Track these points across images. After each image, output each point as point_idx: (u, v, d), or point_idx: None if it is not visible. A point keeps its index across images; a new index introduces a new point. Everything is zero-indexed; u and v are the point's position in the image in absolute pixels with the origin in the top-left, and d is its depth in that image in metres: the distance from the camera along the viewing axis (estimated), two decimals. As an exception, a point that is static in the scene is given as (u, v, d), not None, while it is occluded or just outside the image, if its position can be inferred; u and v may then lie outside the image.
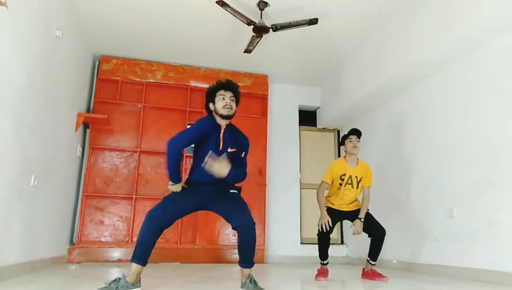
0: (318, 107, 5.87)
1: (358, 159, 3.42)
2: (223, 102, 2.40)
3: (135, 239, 4.58)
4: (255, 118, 5.23)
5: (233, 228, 2.33)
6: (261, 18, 3.67)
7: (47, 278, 2.83)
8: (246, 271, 2.33)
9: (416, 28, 3.67)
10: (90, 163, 4.65)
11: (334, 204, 3.38)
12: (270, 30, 3.65)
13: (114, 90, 4.89)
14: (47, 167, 3.35)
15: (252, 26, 3.63)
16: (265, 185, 5.08)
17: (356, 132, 3.41)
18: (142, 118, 4.90)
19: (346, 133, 3.48)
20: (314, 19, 3.56)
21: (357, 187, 3.32)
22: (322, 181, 3.39)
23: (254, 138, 5.21)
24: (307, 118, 5.91)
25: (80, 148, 4.51)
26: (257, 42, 3.95)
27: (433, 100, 3.93)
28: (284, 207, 5.25)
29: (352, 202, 3.37)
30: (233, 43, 4.52)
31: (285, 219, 5.17)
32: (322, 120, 5.77)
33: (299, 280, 3.28)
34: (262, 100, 5.40)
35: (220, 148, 2.40)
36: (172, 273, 3.44)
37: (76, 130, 4.23)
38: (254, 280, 2.28)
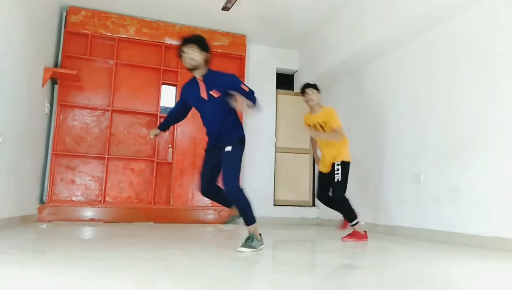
0: (296, 71, 5.82)
1: (321, 106, 3.50)
2: (183, 59, 2.50)
3: (108, 199, 4.56)
4: (232, 79, 5.14)
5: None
6: (240, -27, 3.52)
7: (17, 236, 2.79)
8: (248, 229, 2.55)
9: (397, -7, 3.63)
10: (59, 121, 4.49)
11: (321, 165, 3.55)
12: (250, -13, 3.51)
13: (83, 45, 4.64)
14: (13, 123, 3.20)
15: (231, -18, 3.48)
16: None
17: (303, 88, 3.50)
18: (114, 75, 4.71)
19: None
20: (295, -23, 3.44)
21: (324, 132, 3.43)
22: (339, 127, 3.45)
23: (230, 100, 5.15)
24: (284, 81, 5.87)
25: (48, 104, 4.32)
26: (236, 0, 3.80)
27: (405, 68, 3.98)
28: (258, 169, 5.31)
29: (332, 151, 3.42)
30: (210, -1, 4.33)
31: (259, 181, 5.25)
32: (299, 83, 5.74)
33: (271, 240, 3.38)
34: (240, 61, 5.29)
35: (204, 97, 2.51)
36: (146, 232, 3.47)
37: (43, 86, 4.02)
38: (251, 238, 2.47)
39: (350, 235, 3.31)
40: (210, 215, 4.81)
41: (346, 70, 4.88)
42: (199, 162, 4.83)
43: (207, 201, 4.87)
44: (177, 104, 2.81)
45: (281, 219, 5.28)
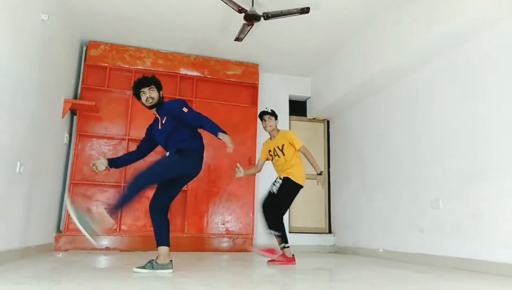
0: (309, 97, 5.87)
1: (278, 130, 3.66)
2: (144, 97, 2.77)
3: (123, 227, 4.57)
4: (245, 107, 5.21)
5: None
6: (252, 6, 3.63)
7: (33, 266, 2.81)
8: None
9: (407, 20, 3.68)
10: (78, 151, 4.59)
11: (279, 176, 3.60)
12: (262, 18, 3.61)
13: (102, 77, 4.81)
14: (33, 154, 3.29)
15: (243, 14, 3.59)
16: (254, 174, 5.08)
17: (260, 115, 3.65)
18: (131, 105, 4.83)
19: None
20: (305, 8, 3.53)
21: (284, 155, 3.54)
22: (259, 160, 3.80)
23: (244, 127, 5.20)
24: (297, 108, 5.91)
25: (67, 135, 4.44)
26: (248, 31, 3.92)
27: (421, 92, 3.96)
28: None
29: (284, 170, 3.53)
30: (223, 31, 4.47)
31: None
32: (312, 110, 5.78)
33: (287, 268, 3.31)
34: (253, 89, 5.37)
35: (159, 127, 2.78)
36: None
37: (63, 117, 4.16)
38: (151, 263, 2.58)
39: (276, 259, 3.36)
40: (225, 243, 4.76)
41: (359, 96, 4.90)
42: (215, 189, 4.87)
43: (221, 229, 4.83)
44: (139, 146, 3.00)
45: (297, 246, 5.15)
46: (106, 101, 4.82)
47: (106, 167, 2.82)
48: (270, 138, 3.69)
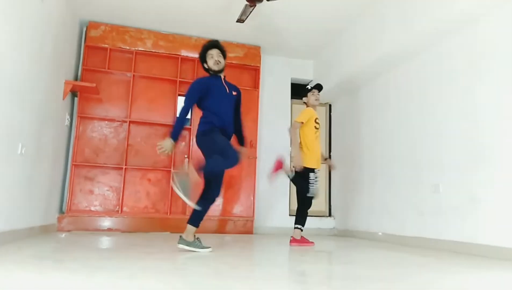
0: (311, 80, 5.82)
1: None
2: (212, 60, 2.87)
3: (125, 209, 4.61)
4: (247, 90, 5.17)
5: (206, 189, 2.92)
6: (255, -14, 3.57)
7: (36, 246, 2.85)
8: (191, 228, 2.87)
9: (411, 2, 3.60)
10: (79, 132, 4.60)
11: (314, 162, 3.58)
12: (264, -1, 3.55)
13: (102, 58, 4.76)
14: (35, 135, 3.30)
15: (245, -5, 3.53)
16: (256, 157, 5.10)
17: (319, 87, 3.82)
18: (132, 87, 4.81)
19: (309, 87, 3.84)
20: (309, -12, 3.47)
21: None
22: (296, 121, 3.64)
23: (246, 110, 5.15)
24: (299, 91, 5.86)
25: (68, 116, 4.44)
26: (250, 12, 3.85)
27: (426, 75, 3.92)
28: (277, 183, 5.28)
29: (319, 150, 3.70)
30: (225, 12, 4.40)
31: (275, 192, 5.23)
32: (314, 93, 5.74)
33: (286, 251, 3.35)
34: (255, 71, 5.33)
35: (227, 91, 2.88)
36: (162, 242, 3.49)
37: (63, 98, 4.14)
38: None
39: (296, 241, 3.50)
40: (226, 225, 4.80)
41: (362, 79, 4.85)
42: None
43: (222, 211, 4.87)
44: (189, 103, 2.81)
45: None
46: (107, 82, 4.79)
47: (173, 144, 2.76)
48: (313, 109, 3.74)
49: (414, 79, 4.09)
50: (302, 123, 3.61)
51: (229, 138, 2.87)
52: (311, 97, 3.77)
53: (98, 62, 4.76)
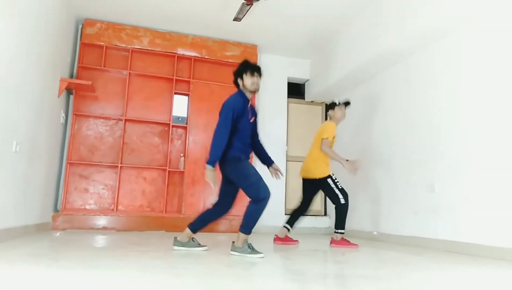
0: (307, 80, 5.83)
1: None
2: (252, 80, 2.81)
3: (120, 207, 4.60)
4: (243, 89, 5.16)
5: (217, 205, 2.97)
6: (252, -15, 3.56)
7: (31, 244, 2.83)
8: (189, 233, 2.93)
9: (407, 1, 3.62)
10: (74, 130, 4.57)
11: (329, 168, 3.66)
12: (261, -2, 3.55)
13: (98, 56, 4.74)
14: (30, 133, 3.28)
15: (242, -7, 3.52)
16: (252, 156, 5.09)
17: (348, 104, 3.85)
18: (128, 85, 4.79)
19: (339, 102, 3.78)
20: (306, -12, 3.47)
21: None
22: (325, 138, 3.59)
23: (242, 109, 5.17)
24: (296, 90, 5.88)
25: (63, 114, 4.41)
26: (247, 11, 3.85)
27: (417, 76, 3.94)
28: (270, 178, 5.29)
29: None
30: (222, 10, 4.39)
31: (270, 191, 5.21)
32: (310, 93, 5.75)
33: (282, 249, 3.36)
34: (251, 71, 5.32)
35: (250, 119, 2.84)
36: (157, 241, 3.48)
37: (59, 96, 4.11)
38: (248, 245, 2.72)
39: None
40: (222, 224, 4.80)
41: (358, 79, 4.87)
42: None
43: (218, 210, 4.87)
44: (229, 124, 2.70)
45: (293, 228, 5.23)
46: (102, 80, 4.77)
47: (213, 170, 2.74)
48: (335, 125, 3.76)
49: (410, 79, 4.10)
50: (328, 138, 3.62)
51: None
52: (339, 112, 3.75)
53: (94, 59, 4.73)
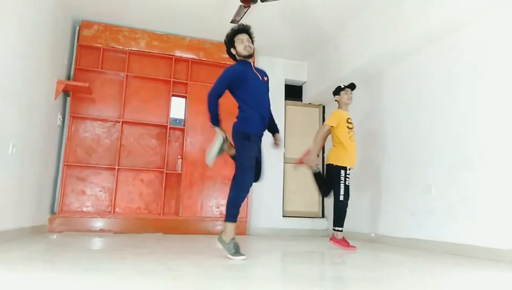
0: (305, 82, 5.84)
1: None
2: (242, 45, 2.74)
3: (117, 209, 4.58)
4: (241, 91, 5.16)
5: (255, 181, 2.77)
6: (249, -13, 3.57)
7: (27, 247, 2.82)
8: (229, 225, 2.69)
9: (406, 2, 3.63)
10: (71, 133, 4.56)
11: (347, 161, 3.54)
12: (258, 0, 3.55)
13: (95, 58, 4.73)
14: (26, 135, 3.26)
15: (239, -5, 3.53)
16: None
17: (352, 86, 3.76)
18: (125, 87, 4.78)
19: (344, 85, 3.74)
20: (303, -10, 3.48)
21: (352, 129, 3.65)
22: (324, 125, 3.56)
23: (239, 111, 5.18)
24: (293, 92, 5.88)
25: (60, 116, 4.40)
26: (245, 13, 3.85)
27: (417, 79, 3.95)
28: (268, 180, 5.28)
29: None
30: (219, 13, 4.40)
31: (268, 193, 5.23)
32: (308, 95, 5.76)
33: (280, 251, 3.35)
34: (248, 73, 5.32)
35: (260, 78, 2.76)
36: (155, 243, 3.47)
37: (56, 98, 4.10)
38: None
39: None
40: (219, 226, 4.79)
41: (355, 81, 4.85)
42: (209, 173, 4.87)
43: (216, 212, 4.87)
44: (221, 88, 2.70)
45: (290, 230, 5.24)
46: (99, 82, 4.76)
47: (222, 131, 2.68)
48: (344, 110, 3.69)
49: (406, 81, 4.12)
50: (332, 127, 3.56)
51: (265, 128, 2.80)
52: (344, 95, 3.70)
53: (91, 61, 4.73)
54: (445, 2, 3.19)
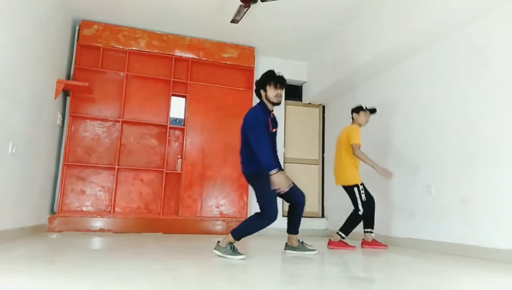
0: (305, 82, 5.84)
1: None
2: (275, 92, 2.76)
3: (117, 209, 4.58)
4: (241, 90, 5.17)
5: (293, 204, 3.02)
6: (249, -13, 3.57)
7: (27, 246, 2.82)
8: (295, 237, 3.05)
9: (404, 4, 3.63)
10: (71, 132, 4.55)
11: (359, 179, 3.66)
12: (258, 0, 3.55)
13: (95, 57, 4.73)
14: (26, 134, 3.26)
15: (240, -5, 3.53)
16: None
17: (375, 111, 3.82)
18: (125, 87, 4.78)
19: (366, 107, 3.75)
20: (303, -10, 3.48)
21: None
22: (356, 144, 3.61)
23: (239, 111, 5.15)
24: (293, 92, 5.88)
25: (60, 116, 4.40)
26: (245, 13, 3.85)
27: (417, 78, 3.95)
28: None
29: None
30: (219, 12, 4.40)
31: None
32: (308, 95, 5.76)
33: (279, 251, 3.35)
34: (249, 72, 5.32)
35: (271, 130, 2.80)
36: (154, 243, 3.47)
37: (55, 98, 4.10)
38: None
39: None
40: (219, 225, 4.79)
41: (355, 81, 4.88)
42: (209, 173, 4.87)
43: (215, 212, 4.87)
44: (264, 132, 2.71)
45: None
46: (99, 82, 4.76)
47: (282, 173, 2.69)
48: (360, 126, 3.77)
49: (407, 81, 4.12)
50: (357, 143, 3.63)
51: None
52: (363, 117, 3.75)
53: (91, 61, 4.72)
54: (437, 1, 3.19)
